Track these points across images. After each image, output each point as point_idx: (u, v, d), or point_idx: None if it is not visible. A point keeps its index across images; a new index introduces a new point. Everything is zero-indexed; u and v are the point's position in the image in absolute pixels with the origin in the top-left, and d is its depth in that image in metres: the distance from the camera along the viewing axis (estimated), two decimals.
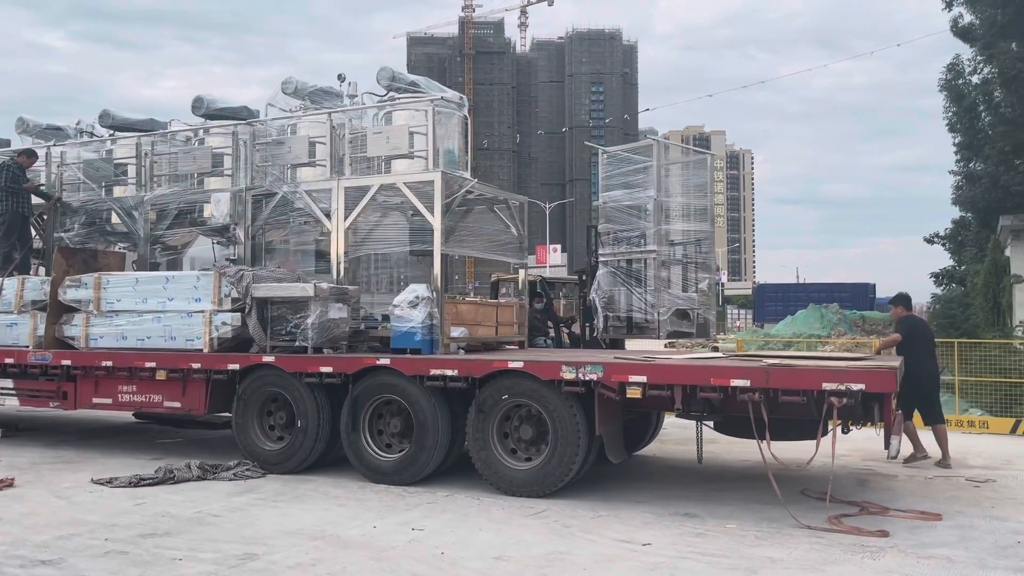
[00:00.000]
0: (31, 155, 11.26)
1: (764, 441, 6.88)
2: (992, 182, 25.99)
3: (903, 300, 10.43)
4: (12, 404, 10.64)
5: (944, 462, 9.33)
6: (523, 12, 64.02)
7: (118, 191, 11.39)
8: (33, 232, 11.61)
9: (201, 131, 11.04)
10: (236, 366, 9.01)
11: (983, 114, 27.41)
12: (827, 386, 6.63)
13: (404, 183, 9.27)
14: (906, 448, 9.47)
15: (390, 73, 9.60)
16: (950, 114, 29.94)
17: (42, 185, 11.44)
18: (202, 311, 9.29)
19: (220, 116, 11.01)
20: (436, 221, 9.10)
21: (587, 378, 7.42)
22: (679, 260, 11.67)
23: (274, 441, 9.10)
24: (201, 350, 9.25)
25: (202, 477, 8.53)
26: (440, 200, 9.07)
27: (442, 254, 9.21)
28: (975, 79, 27.97)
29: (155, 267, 10.92)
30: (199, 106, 10.86)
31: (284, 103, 10.53)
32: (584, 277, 12.37)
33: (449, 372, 7.99)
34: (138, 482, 8.24)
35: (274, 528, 6.63)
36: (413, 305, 8.86)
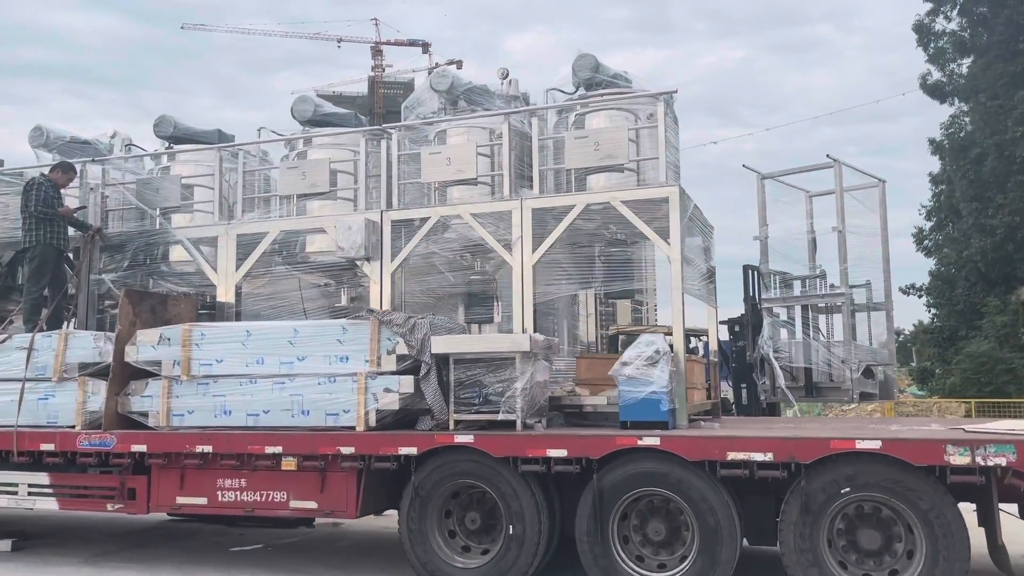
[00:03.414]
0: (67, 170, 8.51)
1: None
2: (1008, 233, 25.45)
3: None
4: (46, 507, 7.68)
5: None
6: (431, 74, 64.89)
7: (180, 219, 8.75)
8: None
9: (301, 142, 8.58)
10: (412, 450, 6.48)
11: (990, 166, 26.80)
12: None
13: (623, 201, 7.06)
14: None
15: (593, 62, 7.42)
16: (948, 169, 29.68)
17: (83, 208, 8.67)
18: (353, 374, 6.75)
19: (325, 123, 8.59)
20: (674, 251, 6.91)
21: (990, 463, 5.29)
22: (859, 306, 9.78)
23: (462, 554, 6.56)
24: (353, 428, 6.70)
25: None
26: (679, 224, 6.90)
27: None
28: (980, 132, 27.68)
29: (239, 317, 8.27)
30: (304, 109, 8.41)
31: (429, 104, 8.20)
32: (739, 328, 10.33)
33: (759, 456, 5.73)
34: None
35: None
36: (652, 362, 6.57)
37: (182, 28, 74.26)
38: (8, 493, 7.70)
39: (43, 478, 7.59)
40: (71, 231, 8.56)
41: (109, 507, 7.38)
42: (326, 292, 8.74)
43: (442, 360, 6.66)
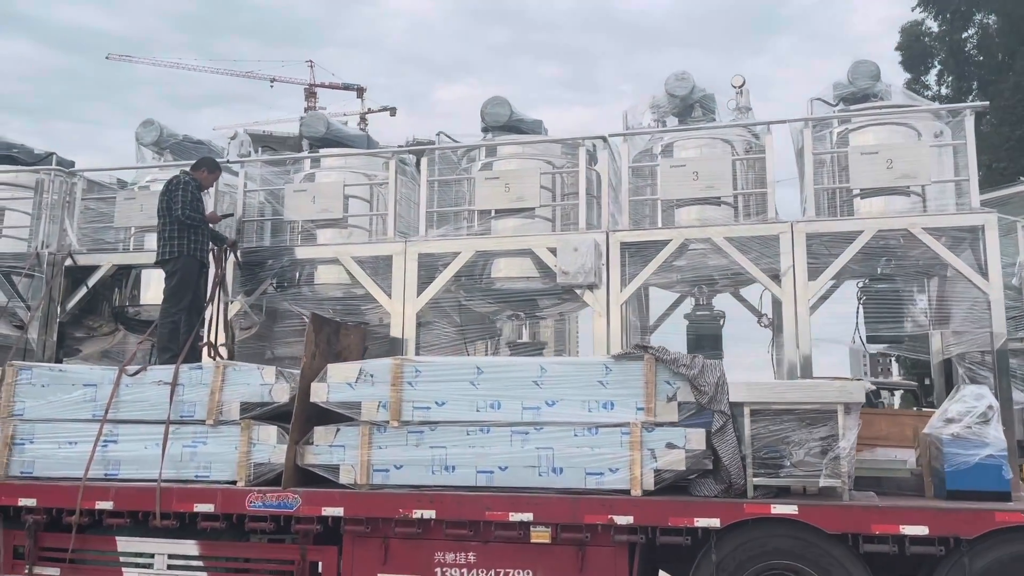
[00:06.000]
0: (213, 168, 7.07)
1: None
2: None
3: None
4: None
5: None
6: (363, 119, 64.90)
7: (327, 234, 7.38)
8: None
9: (483, 151, 7.35)
10: (714, 522, 5.20)
11: None
12: None
13: (930, 228, 6.05)
14: None
15: (874, 70, 6.44)
16: None
17: (230, 215, 7.24)
18: (623, 424, 5.47)
19: (515, 129, 7.41)
20: (995, 289, 5.91)
21: None
22: None
23: None
24: (624, 491, 5.39)
25: None
26: (998, 256, 5.93)
27: None
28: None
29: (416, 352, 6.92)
30: (498, 113, 7.21)
31: (646, 117, 7.11)
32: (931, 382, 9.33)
33: None
34: None
35: None
36: (985, 420, 5.49)
37: (107, 59, 71.56)
38: (139, 566, 6.09)
39: (190, 548, 6.01)
40: None
41: None
42: (492, 327, 7.49)
43: (739, 411, 5.45)
